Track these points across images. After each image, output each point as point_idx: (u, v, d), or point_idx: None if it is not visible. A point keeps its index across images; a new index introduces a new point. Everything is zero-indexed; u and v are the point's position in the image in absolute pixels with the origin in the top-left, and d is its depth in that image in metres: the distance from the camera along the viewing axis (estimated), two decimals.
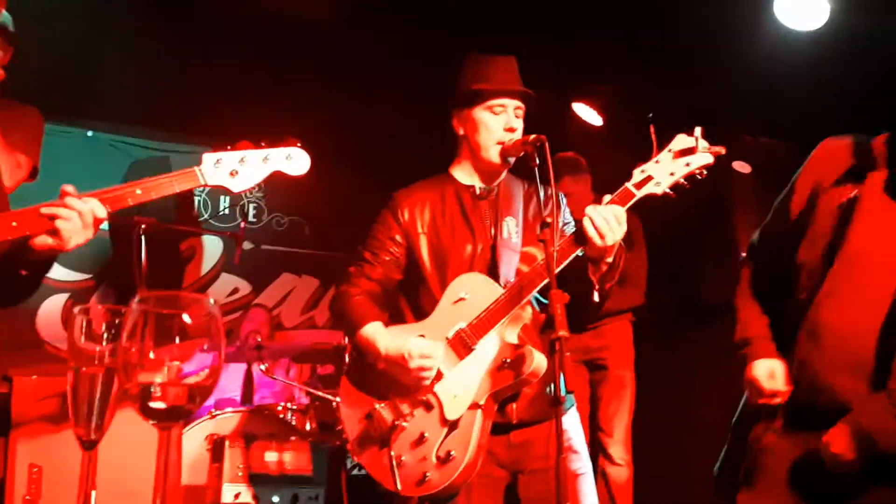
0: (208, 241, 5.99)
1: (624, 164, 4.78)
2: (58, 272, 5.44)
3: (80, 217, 1.85)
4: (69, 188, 1.91)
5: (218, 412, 3.97)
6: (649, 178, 2.41)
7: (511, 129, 2.60)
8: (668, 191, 2.40)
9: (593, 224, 2.30)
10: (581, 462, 2.57)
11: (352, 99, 5.20)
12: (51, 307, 5.21)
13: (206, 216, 5.98)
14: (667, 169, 2.40)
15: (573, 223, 2.74)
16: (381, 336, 2.46)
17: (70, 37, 4.47)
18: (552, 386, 2.46)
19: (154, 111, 5.46)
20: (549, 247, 2.28)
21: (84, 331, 1.20)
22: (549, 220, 2.32)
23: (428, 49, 4.67)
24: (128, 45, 4.70)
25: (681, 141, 2.42)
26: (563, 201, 2.77)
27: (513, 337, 2.43)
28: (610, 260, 2.39)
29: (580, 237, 2.35)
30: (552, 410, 2.44)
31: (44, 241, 1.87)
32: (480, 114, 2.61)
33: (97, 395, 1.15)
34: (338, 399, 4.43)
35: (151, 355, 1.05)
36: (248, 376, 4.63)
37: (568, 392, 2.20)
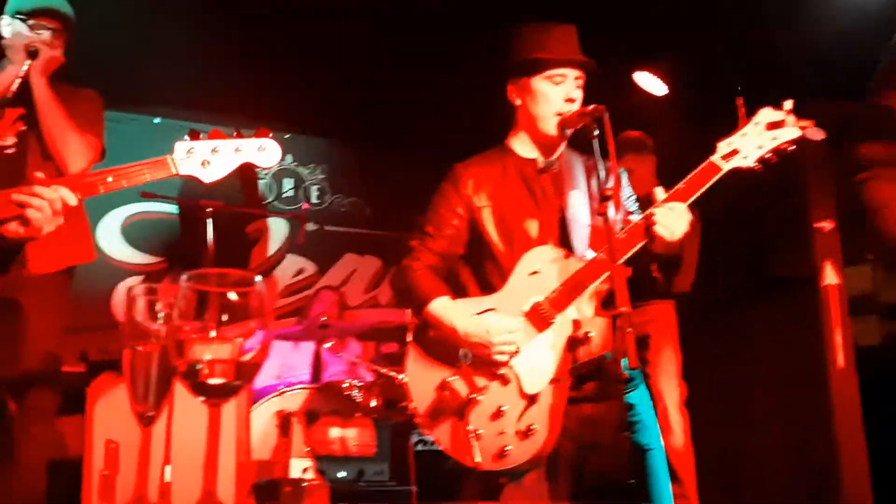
0: (274, 224, 6.10)
1: (689, 135, 4.68)
2: (131, 256, 5.63)
3: (49, 205, 1.86)
4: (39, 175, 1.92)
5: (286, 389, 4.05)
6: (735, 152, 2.38)
7: (571, 100, 2.55)
8: (754, 164, 2.37)
9: (656, 224, 2.30)
10: (650, 438, 2.52)
11: (407, 77, 5.19)
12: (125, 290, 5.41)
13: (270, 199, 6.09)
14: (754, 142, 2.38)
15: (635, 197, 2.69)
16: (454, 313, 2.43)
17: (134, 24, 4.57)
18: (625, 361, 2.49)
19: (219, 96, 5.56)
20: (608, 220, 2.24)
21: (142, 309, 1.23)
22: (608, 193, 2.28)
23: (482, 19, 4.60)
24: (192, 32, 4.78)
25: (767, 114, 2.39)
26: (625, 176, 2.70)
27: (590, 311, 2.40)
28: (675, 252, 2.37)
29: (647, 228, 2.34)
30: (628, 383, 2.44)
31: (14, 229, 1.88)
32: (539, 84, 2.55)
33: (153, 373, 1.18)
34: (402, 376, 4.48)
35: (212, 333, 1.06)
36: (317, 355, 4.72)
37: (633, 369, 2.15)
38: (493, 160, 2.66)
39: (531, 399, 2.35)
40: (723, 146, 2.40)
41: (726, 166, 2.38)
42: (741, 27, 4.42)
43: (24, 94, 2.98)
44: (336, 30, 4.83)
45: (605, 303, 2.52)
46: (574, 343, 2.37)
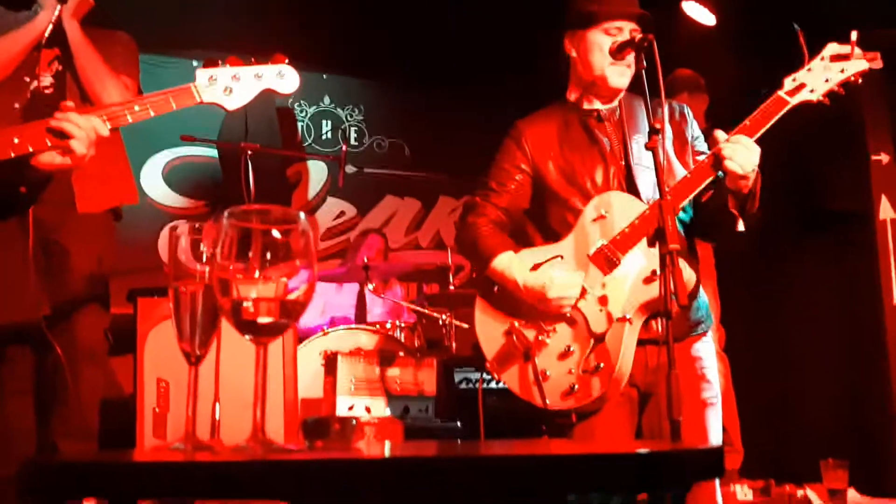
0: (313, 166, 6.10)
1: (741, 70, 4.51)
2: (174, 200, 5.70)
3: (85, 133, 1.84)
4: (70, 104, 1.89)
5: (331, 329, 4.10)
6: (802, 86, 2.37)
7: None
8: (822, 98, 2.37)
9: (726, 159, 2.28)
10: (712, 392, 2.49)
11: (446, 17, 5.07)
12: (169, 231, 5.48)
13: (309, 141, 6.07)
14: (821, 76, 2.38)
15: (702, 137, 2.62)
16: (517, 267, 2.43)
17: None
18: (697, 303, 2.45)
19: (257, 38, 5.50)
20: (657, 155, 2.21)
21: (185, 248, 1.22)
22: (657, 125, 2.24)
23: None
24: None
25: (833, 48, 2.39)
26: (690, 114, 2.64)
27: (656, 250, 2.37)
28: (749, 186, 2.34)
29: (716, 164, 2.32)
30: (693, 328, 2.45)
31: (51, 158, 1.87)
32: (595, 35, 2.51)
33: (199, 312, 1.17)
34: (444, 316, 4.51)
35: (255, 274, 1.05)
36: (360, 295, 4.76)
37: (683, 306, 2.11)
38: (555, 113, 2.63)
39: (599, 338, 2.35)
40: (788, 81, 2.39)
41: (793, 100, 2.36)
42: None
43: (59, 38, 2.99)
44: None
45: (653, 239, 2.47)
46: (646, 281, 2.34)
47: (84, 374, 2.68)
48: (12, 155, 1.81)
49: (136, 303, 2.81)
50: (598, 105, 2.59)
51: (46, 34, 2.91)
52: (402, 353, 3.91)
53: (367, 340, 4.12)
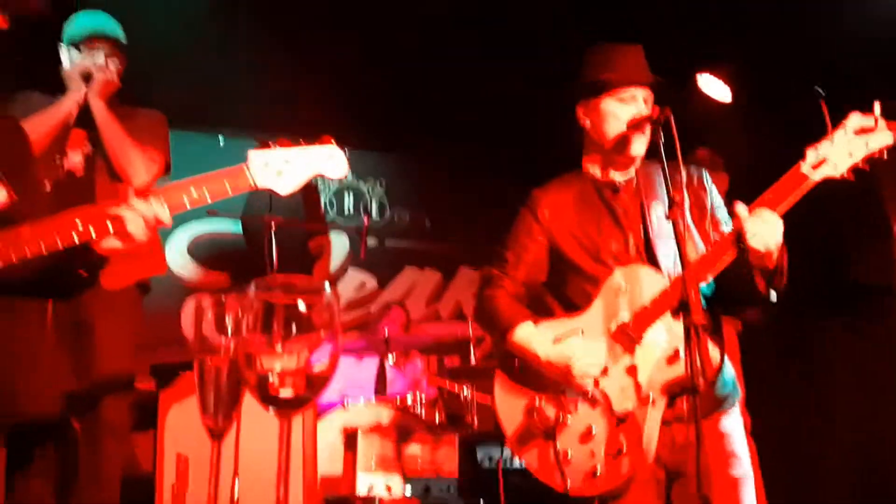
0: (335, 239, 6.15)
1: (756, 142, 4.54)
2: (197, 273, 5.75)
3: (145, 220, 1.87)
4: (133, 190, 1.95)
5: (351, 404, 4.05)
6: (825, 160, 2.24)
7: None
8: (846, 174, 2.24)
9: (748, 235, 2.19)
10: (742, 468, 2.39)
11: (467, 93, 5.18)
12: (192, 306, 5.51)
13: (332, 214, 6.15)
14: (844, 149, 2.23)
15: (722, 206, 2.59)
16: (538, 340, 2.38)
17: (200, 48, 4.69)
18: (723, 378, 2.37)
19: (281, 114, 5.65)
20: (678, 226, 2.16)
21: (210, 321, 1.22)
22: (676, 198, 2.20)
23: (541, 38, 4.58)
24: (253, 54, 4.89)
25: (856, 119, 2.25)
26: (709, 180, 2.59)
27: (680, 328, 2.32)
28: (774, 262, 2.25)
29: (738, 240, 2.24)
30: (719, 404, 2.37)
31: (111, 244, 1.89)
32: (608, 104, 2.50)
33: (223, 386, 1.16)
34: (466, 390, 4.45)
35: (278, 347, 1.05)
36: (381, 369, 4.72)
37: (711, 381, 2.05)
38: (571, 183, 2.60)
39: (622, 419, 2.28)
40: (810, 153, 2.26)
41: (816, 176, 2.24)
42: (809, 27, 4.28)
43: (87, 118, 3.10)
44: (394, 45, 4.86)
45: (677, 312, 2.42)
46: (668, 360, 2.28)
47: (106, 451, 2.66)
48: (76, 240, 1.84)
49: (158, 378, 2.81)
50: (614, 174, 2.55)
51: (74, 114, 3.03)
52: (422, 430, 3.85)
53: (387, 416, 4.07)
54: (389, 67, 5.06)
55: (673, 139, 2.35)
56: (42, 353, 2.15)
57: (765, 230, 2.20)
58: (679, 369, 2.25)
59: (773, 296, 2.30)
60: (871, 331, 4.47)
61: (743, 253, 2.26)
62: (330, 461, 3.74)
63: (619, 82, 2.47)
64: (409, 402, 4.30)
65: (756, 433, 4.21)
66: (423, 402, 4.33)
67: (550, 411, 2.34)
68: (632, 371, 2.30)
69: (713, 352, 2.24)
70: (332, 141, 2.03)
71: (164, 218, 1.88)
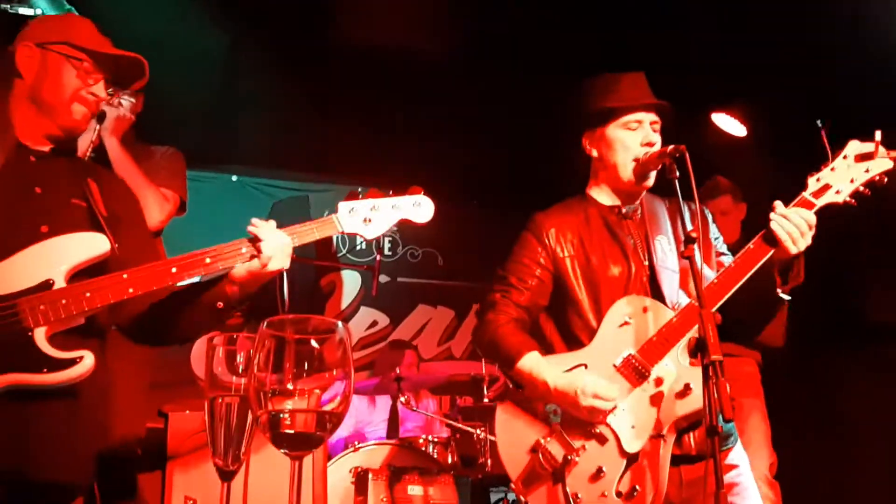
0: (347, 276, 6.14)
1: (771, 175, 4.52)
2: None
3: (274, 237, 1.99)
4: (257, 221, 2.04)
5: (362, 445, 3.99)
6: (827, 187, 2.31)
7: (649, 144, 2.46)
8: (848, 199, 2.31)
9: (783, 228, 2.22)
10: (752, 501, 2.34)
11: (478, 130, 5.21)
12: (202, 345, 5.48)
13: (343, 251, 6.15)
14: (845, 176, 2.31)
15: (721, 238, 2.58)
16: (546, 369, 2.32)
17: (212, 88, 4.74)
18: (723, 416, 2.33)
19: (291, 154, 5.70)
20: (694, 264, 2.12)
21: (221, 359, 1.20)
22: (693, 235, 2.17)
23: (552, 74, 4.60)
24: (264, 93, 4.94)
25: (855, 146, 2.33)
26: (710, 217, 2.59)
27: (687, 361, 2.27)
28: (794, 269, 2.29)
29: (770, 240, 2.26)
30: (725, 441, 2.32)
31: (246, 266, 1.99)
32: (615, 132, 2.49)
33: (234, 425, 1.14)
34: (479, 431, 4.38)
35: (290, 385, 1.02)
36: (393, 409, 4.66)
37: (728, 421, 2.00)
38: (575, 208, 2.57)
39: (632, 458, 2.22)
40: (812, 182, 2.32)
41: (819, 202, 2.29)
42: (820, 59, 4.29)
43: (101, 157, 3.11)
44: (404, 86, 4.90)
45: (695, 351, 2.38)
46: (678, 395, 2.23)
47: (111, 491, 2.62)
48: (170, 283, 1.95)
49: (166, 419, 2.78)
50: (619, 203, 2.53)
51: (89, 153, 3.05)
52: (435, 470, 3.78)
53: (398, 456, 3.99)
54: (401, 107, 5.10)
55: (688, 174, 2.34)
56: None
57: (800, 228, 2.21)
58: (691, 404, 2.21)
59: (785, 296, 2.30)
60: (890, 369, 4.39)
61: (773, 249, 2.24)
62: (340, 503, 3.67)
63: (623, 109, 2.47)
64: (422, 442, 4.23)
65: (779, 474, 4.11)
66: (436, 442, 4.27)
67: (557, 451, 2.27)
68: (641, 406, 2.25)
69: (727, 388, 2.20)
70: (422, 191, 2.21)
71: (289, 242, 2.02)
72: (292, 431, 1.01)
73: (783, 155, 4.70)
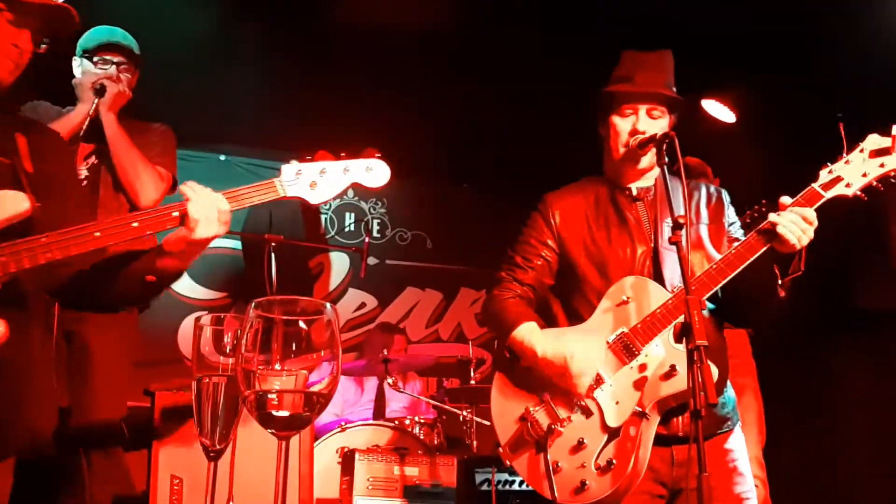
0: (335, 258, 6.13)
1: (759, 163, 4.54)
2: (195, 291, 5.72)
3: (204, 199, 1.85)
4: (188, 185, 1.91)
5: (348, 425, 4.01)
6: (839, 180, 2.32)
7: (636, 132, 2.48)
8: (859, 193, 2.31)
9: (786, 228, 2.24)
10: (746, 486, 2.37)
11: (470, 113, 5.19)
12: (190, 324, 5.47)
13: (332, 233, 6.13)
14: (858, 170, 2.32)
15: (738, 223, 2.60)
16: (538, 337, 2.38)
17: (202, 67, 4.69)
18: (724, 399, 2.38)
19: (280, 134, 5.66)
20: (681, 249, 2.16)
21: (208, 340, 1.20)
22: (681, 221, 2.20)
23: (548, 60, 4.59)
24: (253, 73, 4.89)
25: (874, 140, 2.33)
26: (727, 200, 2.61)
27: (679, 343, 2.31)
28: (794, 263, 2.32)
29: (771, 236, 2.27)
30: (720, 425, 2.37)
31: (174, 235, 1.85)
32: (613, 118, 2.53)
33: (220, 405, 1.14)
34: (465, 412, 4.40)
35: (278, 366, 1.02)
36: (380, 390, 4.67)
37: (712, 405, 2.03)
38: (586, 189, 2.61)
39: (613, 432, 2.27)
40: (824, 174, 2.33)
41: (828, 195, 2.31)
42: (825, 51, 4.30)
43: (96, 130, 3.08)
44: (395, 65, 4.87)
45: (680, 336, 2.40)
46: (665, 376, 2.27)
47: (97, 469, 2.62)
48: (95, 248, 1.79)
49: (153, 398, 2.77)
50: (631, 183, 2.56)
51: (84, 126, 3.00)
52: (420, 451, 3.80)
53: (384, 437, 4.02)
54: (391, 88, 5.06)
55: (677, 160, 2.36)
56: (46, 373, 2.10)
57: (801, 227, 2.23)
58: (675, 385, 2.24)
59: (781, 291, 2.34)
60: (880, 356, 4.44)
61: (772, 244, 2.26)
62: (327, 484, 3.69)
63: (621, 97, 2.50)
64: (408, 423, 4.26)
65: (769, 460, 4.15)
66: (422, 423, 4.29)
67: (543, 419, 2.34)
68: (627, 383, 2.30)
69: (713, 373, 2.23)
70: (376, 154, 2.03)
71: (224, 206, 1.86)
72: (279, 412, 1.01)
73: (771, 141, 4.74)
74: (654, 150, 2.43)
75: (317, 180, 1.94)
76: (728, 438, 2.40)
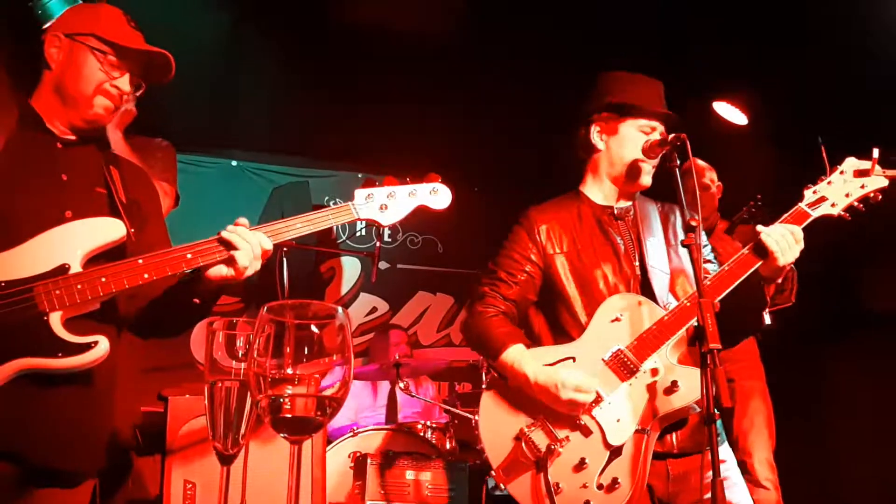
0: (347, 262, 6.14)
1: (770, 165, 4.51)
2: None
3: (251, 248, 1.95)
4: (243, 220, 2.01)
5: (360, 430, 4.00)
6: (823, 199, 2.38)
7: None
8: (843, 213, 2.37)
9: (772, 240, 2.27)
10: (741, 494, 2.37)
11: (481, 118, 5.19)
12: (202, 329, 5.48)
13: (343, 238, 6.15)
14: (841, 190, 2.38)
15: (710, 247, 2.60)
16: (528, 362, 2.34)
17: (213, 74, 4.72)
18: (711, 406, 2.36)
19: (290, 139, 5.69)
20: (694, 251, 2.16)
21: (221, 344, 1.21)
22: (693, 223, 2.20)
23: (557, 64, 4.59)
24: (264, 79, 4.92)
25: (853, 163, 2.41)
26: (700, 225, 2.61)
27: (675, 359, 2.30)
28: (780, 281, 2.34)
29: (760, 251, 2.30)
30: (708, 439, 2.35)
31: (219, 271, 1.96)
32: (629, 129, 2.53)
33: (233, 410, 1.14)
34: (477, 417, 4.38)
35: (290, 370, 1.03)
36: (392, 395, 4.67)
37: (728, 408, 2.01)
38: (568, 205, 2.60)
39: (616, 451, 2.24)
40: (809, 194, 2.39)
41: (815, 214, 2.37)
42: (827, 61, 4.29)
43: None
44: (407, 70, 4.88)
45: (693, 339, 2.39)
46: (666, 391, 2.25)
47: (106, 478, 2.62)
48: (185, 269, 1.95)
49: (166, 402, 2.78)
50: (612, 201, 2.56)
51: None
52: (433, 456, 3.79)
53: (397, 442, 4.01)
54: (400, 94, 5.08)
55: (688, 159, 2.37)
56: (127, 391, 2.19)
57: (788, 242, 2.26)
58: (675, 402, 2.23)
59: (768, 319, 2.34)
60: (884, 359, 4.41)
61: (763, 260, 2.28)
62: (339, 488, 3.69)
63: (646, 112, 2.51)
64: (420, 428, 4.25)
65: (779, 464, 4.12)
66: (434, 427, 4.28)
67: (541, 440, 2.29)
68: (626, 401, 2.27)
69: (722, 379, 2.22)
70: (439, 179, 2.19)
71: (267, 245, 1.97)
72: (292, 416, 1.01)
73: (781, 144, 4.71)
74: (652, 167, 2.49)
75: (386, 203, 2.10)
76: (719, 449, 2.37)
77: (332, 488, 3.63)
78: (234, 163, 5.97)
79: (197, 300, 2.03)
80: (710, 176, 4.24)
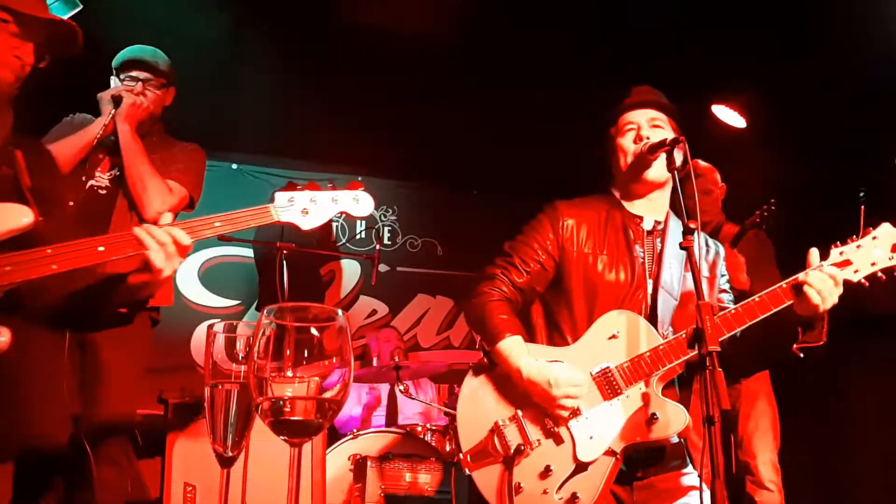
0: (347, 265, 6.15)
1: (767, 166, 4.51)
2: (208, 299, 5.75)
3: (164, 248, 1.86)
4: (166, 217, 1.94)
5: (361, 432, 4.01)
6: (848, 263, 2.28)
7: (640, 139, 2.48)
8: (863, 280, 2.28)
9: (814, 288, 2.21)
10: None
11: (481, 121, 5.20)
12: (202, 332, 5.50)
13: (343, 240, 6.15)
14: (868, 258, 2.28)
15: (727, 277, 2.58)
16: (523, 355, 2.32)
17: (213, 77, 4.72)
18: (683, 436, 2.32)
19: (291, 142, 5.70)
20: (692, 254, 2.12)
21: (221, 347, 1.21)
22: (692, 225, 2.16)
23: (557, 66, 4.60)
24: (266, 83, 4.92)
25: (887, 231, 2.30)
26: (722, 255, 2.59)
27: (659, 390, 2.28)
28: (816, 332, 2.29)
29: (798, 291, 2.24)
30: (677, 461, 2.32)
31: (138, 276, 1.90)
32: (616, 137, 2.53)
33: (234, 412, 1.15)
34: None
35: (290, 373, 1.03)
36: (392, 397, 4.68)
37: (726, 410, 2.00)
38: (598, 206, 2.54)
39: (582, 466, 2.22)
40: (835, 254, 2.29)
41: (838, 277, 2.26)
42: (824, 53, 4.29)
43: (115, 141, 3.12)
44: (406, 73, 4.89)
45: (692, 342, 2.38)
46: (645, 421, 2.24)
47: (107, 478, 2.63)
48: (96, 262, 1.84)
49: (166, 405, 2.79)
50: (644, 212, 2.52)
51: (98, 136, 3.05)
52: (433, 458, 3.80)
53: (397, 444, 4.01)
54: (400, 98, 5.08)
55: (687, 164, 2.36)
56: (56, 381, 2.13)
57: (827, 286, 2.21)
58: (653, 433, 2.22)
59: (800, 353, 2.31)
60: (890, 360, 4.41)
61: (797, 299, 2.24)
62: (339, 491, 3.69)
63: (620, 110, 2.53)
64: (420, 430, 4.25)
65: (783, 467, 4.12)
66: (434, 430, 4.29)
67: (514, 438, 2.28)
68: (604, 420, 2.26)
69: (683, 419, 2.22)
70: (361, 187, 2.15)
71: (184, 240, 1.89)
72: (292, 418, 1.02)
73: (779, 145, 4.72)
74: (663, 157, 2.40)
75: (308, 207, 2.07)
76: (684, 478, 2.34)
77: (331, 491, 3.63)
78: (234, 166, 5.98)
79: (124, 310, 1.97)
80: (714, 177, 4.24)
